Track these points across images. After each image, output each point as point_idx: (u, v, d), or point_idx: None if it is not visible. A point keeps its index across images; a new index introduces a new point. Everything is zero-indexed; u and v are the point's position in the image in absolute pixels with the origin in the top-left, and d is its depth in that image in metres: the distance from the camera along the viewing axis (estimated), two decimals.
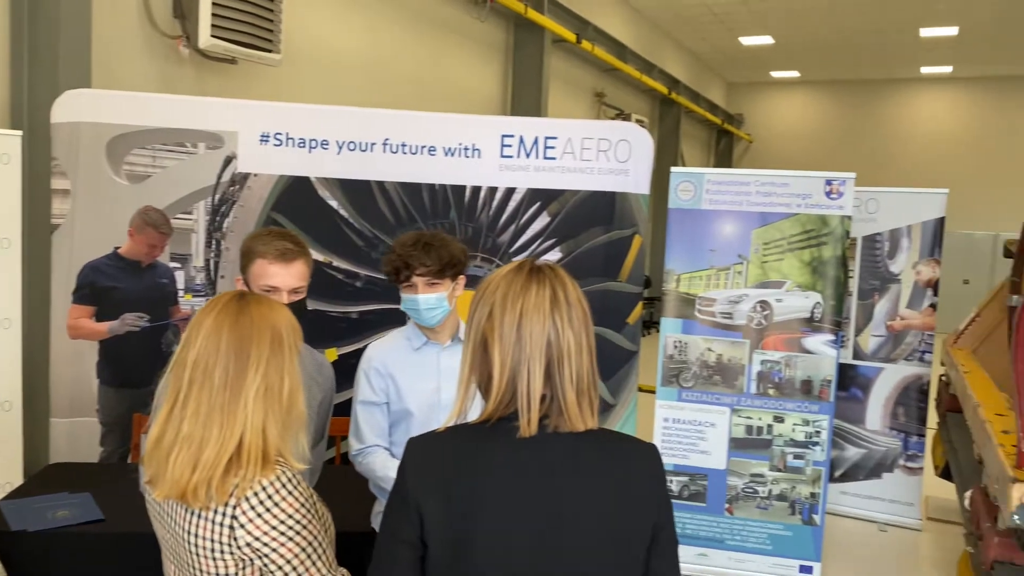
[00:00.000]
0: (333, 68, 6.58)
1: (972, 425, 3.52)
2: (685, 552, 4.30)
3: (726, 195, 4.24)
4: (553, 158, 4.09)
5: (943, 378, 4.99)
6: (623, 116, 11.98)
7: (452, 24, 8.26)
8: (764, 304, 4.21)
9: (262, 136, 3.70)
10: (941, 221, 5.05)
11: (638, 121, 11.96)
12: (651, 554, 1.30)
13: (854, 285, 5.24)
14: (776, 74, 17.02)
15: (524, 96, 9.26)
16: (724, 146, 17.89)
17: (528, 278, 1.32)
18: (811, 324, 4.16)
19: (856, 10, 11.95)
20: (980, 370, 4.19)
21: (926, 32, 12.94)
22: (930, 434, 5.21)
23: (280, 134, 3.72)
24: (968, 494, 3.22)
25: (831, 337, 4.14)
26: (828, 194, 4.09)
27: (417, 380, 2.44)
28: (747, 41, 14.19)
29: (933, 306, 5.08)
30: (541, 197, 4.11)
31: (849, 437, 5.30)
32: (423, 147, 3.89)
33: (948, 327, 5.48)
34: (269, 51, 5.14)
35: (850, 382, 5.26)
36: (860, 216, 5.12)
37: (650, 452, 1.35)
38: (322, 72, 6.44)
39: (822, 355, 4.15)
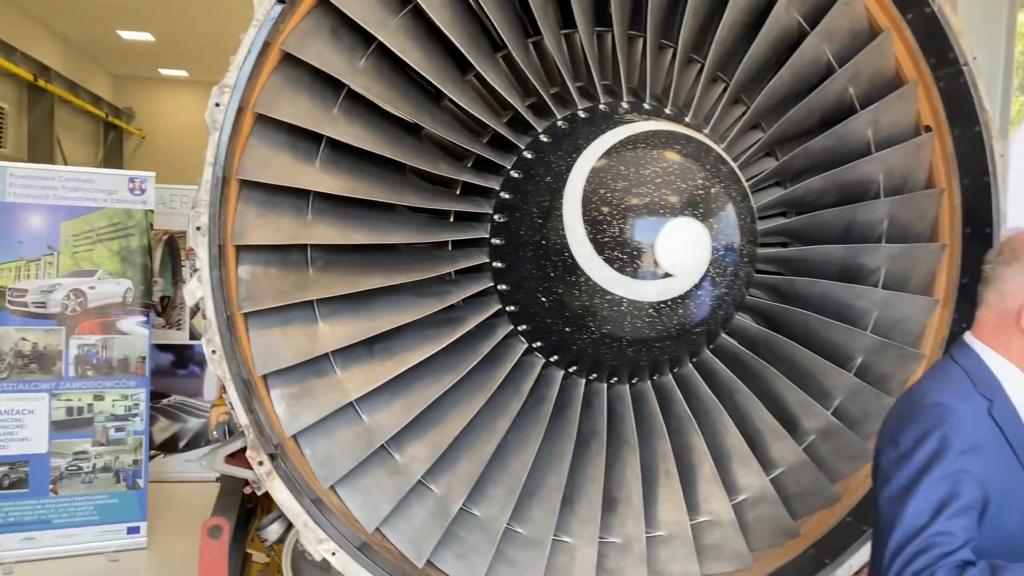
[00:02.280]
0: None
1: None
2: (9, 540, 4.37)
3: (32, 189, 4.40)
4: None
5: None
6: None
7: None
8: (78, 292, 4.51)
9: None
10: None
11: None
12: None
13: (187, 273, 5.84)
14: (165, 71, 17.09)
15: None
16: (114, 140, 17.28)
17: None
18: (124, 308, 4.60)
19: (230, 20, 12.79)
20: None
21: None
22: None
23: None
24: None
25: (143, 318, 4.65)
26: (132, 190, 4.57)
27: None
28: (127, 35, 14.00)
29: None
30: None
31: (190, 410, 5.91)
32: None
33: None
34: None
35: (188, 360, 5.86)
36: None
37: None
38: None
39: (136, 335, 4.62)
